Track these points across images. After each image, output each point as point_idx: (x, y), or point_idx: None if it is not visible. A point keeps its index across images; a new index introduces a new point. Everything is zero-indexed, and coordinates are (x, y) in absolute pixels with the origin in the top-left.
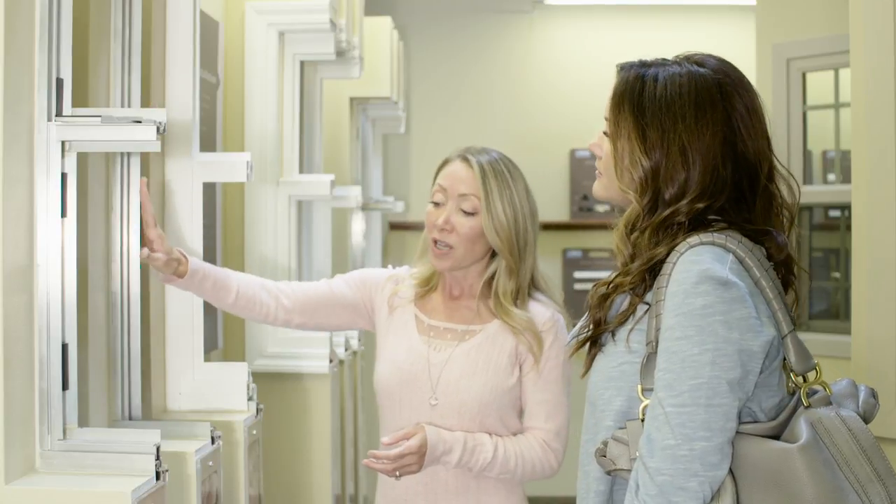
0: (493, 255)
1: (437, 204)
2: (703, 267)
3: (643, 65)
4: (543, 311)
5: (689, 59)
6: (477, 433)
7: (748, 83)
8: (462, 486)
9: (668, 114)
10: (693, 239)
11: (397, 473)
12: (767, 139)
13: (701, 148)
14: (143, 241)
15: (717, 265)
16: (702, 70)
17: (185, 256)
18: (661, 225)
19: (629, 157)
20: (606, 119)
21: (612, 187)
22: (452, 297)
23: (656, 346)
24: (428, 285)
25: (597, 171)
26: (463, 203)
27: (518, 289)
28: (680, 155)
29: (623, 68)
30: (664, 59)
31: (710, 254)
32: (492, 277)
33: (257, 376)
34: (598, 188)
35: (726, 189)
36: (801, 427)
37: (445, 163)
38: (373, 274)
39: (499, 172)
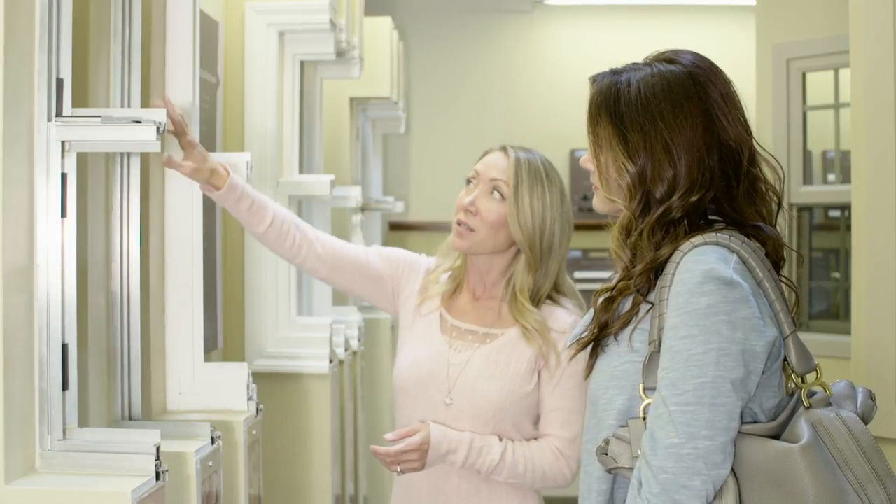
0: (518, 255)
1: (468, 183)
2: (707, 267)
3: (614, 73)
4: (566, 317)
5: (658, 58)
6: (486, 435)
7: (720, 71)
8: (473, 489)
9: (647, 115)
10: (697, 239)
11: (398, 468)
12: (745, 124)
13: (684, 142)
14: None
15: (721, 265)
16: (672, 67)
17: (226, 170)
18: (658, 223)
19: (613, 165)
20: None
21: (606, 199)
22: (475, 297)
23: (659, 346)
24: (457, 280)
25: (593, 186)
26: (493, 187)
27: (537, 290)
28: (665, 153)
29: (595, 80)
30: (634, 64)
31: (714, 254)
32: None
33: (257, 376)
34: (597, 202)
35: (715, 178)
36: (802, 427)
37: (486, 153)
38: (409, 259)
39: (535, 169)
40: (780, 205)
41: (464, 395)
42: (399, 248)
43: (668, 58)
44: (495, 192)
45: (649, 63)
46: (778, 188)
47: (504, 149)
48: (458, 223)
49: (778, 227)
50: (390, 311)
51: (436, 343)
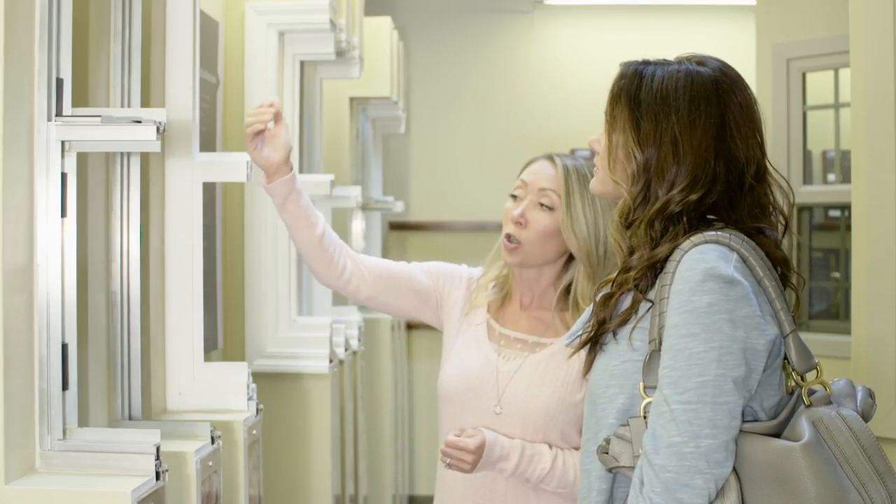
0: (567, 263)
1: (515, 197)
2: (708, 265)
3: (644, 63)
4: None
5: (689, 59)
6: (536, 443)
7: (746, 86)
8: (521, 497)
9: (663, 106)
10: (697, 237)
11: (448, 461)
12: (759, 139)
13: (692, 141)
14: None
15: (722, 263)
16: (700, 69)
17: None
18: (657, 216)
19: (623, 148)
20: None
21: (607, 181)
22: (523, 306)
23: (659, 344)
24: (504, 289)
25: (595, 168)
26: (542, 198)
27: None
28: (671, 146)
29: (624, 65)
30: (665, 59)
31: (715, 252)
32: (567, 288)
33: (257, 376)
34: (595, 183)
35: (718, 183)
36: (803, 426)
37: (530, 162)
38: (450, 269)
39: (583, 176)
40: (787, 226)
41: (514, 403)
42: (439, 262)
43: (700, 60)
44: (545, 201)
45: (680, 61)
46: (787, 212)
47: (550, 158)
48: (508, 237)
49: (783, 247)
50: (435, 324)
51: (484, 351)
